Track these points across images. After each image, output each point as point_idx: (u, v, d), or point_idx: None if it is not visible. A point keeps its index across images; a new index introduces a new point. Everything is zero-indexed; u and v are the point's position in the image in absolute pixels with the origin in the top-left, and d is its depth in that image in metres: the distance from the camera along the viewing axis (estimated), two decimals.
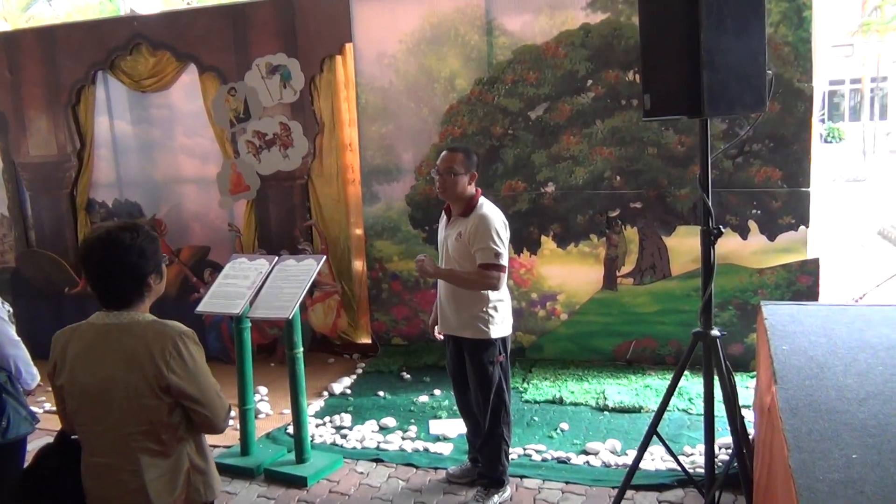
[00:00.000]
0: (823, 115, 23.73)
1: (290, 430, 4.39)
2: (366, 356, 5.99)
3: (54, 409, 5.02)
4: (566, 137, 5.32)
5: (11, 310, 3.05)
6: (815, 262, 5.00)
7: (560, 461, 4.03)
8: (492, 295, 3.51)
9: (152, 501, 2.14)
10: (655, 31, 2.92)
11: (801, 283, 5.03)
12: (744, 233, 5.09)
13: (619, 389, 4.91)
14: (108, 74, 6.30)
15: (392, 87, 5.66)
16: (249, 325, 4.27)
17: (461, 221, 3.52)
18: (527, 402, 4.86)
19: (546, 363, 5.50)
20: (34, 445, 3.01)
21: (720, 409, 3.00)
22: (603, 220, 5.36)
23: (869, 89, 28.26)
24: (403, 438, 4.43)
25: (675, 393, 3.51)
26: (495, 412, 3.58)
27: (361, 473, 4.07)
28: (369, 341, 6.09)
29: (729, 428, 2.95)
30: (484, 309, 3.51)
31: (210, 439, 2.40)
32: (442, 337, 3.80)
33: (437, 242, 3.83)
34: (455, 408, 3.99)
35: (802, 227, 4.99)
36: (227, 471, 4.09)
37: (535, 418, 4.61)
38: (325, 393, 5.24)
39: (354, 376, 5.56)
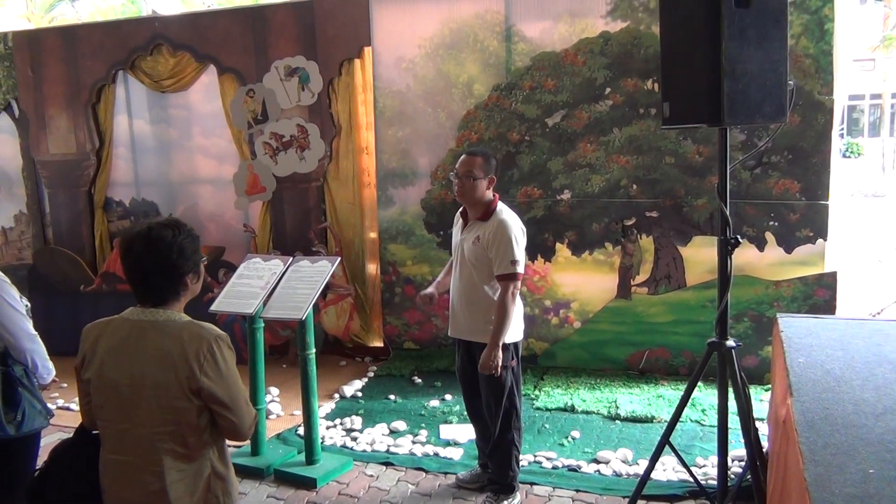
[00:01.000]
0: (843, 129, 23.55)
1: (301, 431, 4.39)
2: (377, 359, 5.99)
3: (67, 405, 5.11)
4: (583, 145, 5.31)
5: (30, 304, 3.06)
6: (833, 275, 4.96)
7: (571, 469, 4.01)
8: None
9: None
10: (676, 38, 2.91)
11: (818, 296, 4.98)
12: (761, 244, 5.06)
13: (632, 399, 4.88)
14: (129, 74, 6.36)
15: (410, 92, 5.67)
16: (262, 325, 4.28)
17: (479, 225, 3.52)
18: (538, 409, 4.84)
19: (558, 371, 5.48)
20: (47, 441, 3.04)
21: (734, 420, 2.98)
22: (618, 228, 5.34)
23: (889, 105, 28.05)
24: (414, 442, 4.42)
25: (689, 404, 3.49)
26: (506, 417, 3.57)
27: (371, 476, 4.06)
28: (381, 345, 6.09)
29: (743, 440, 2.92)
30: None
31: None
32: (431, 291, 3.78)
33: (450, 247, 3.83)
34: (466, 413, 3.98)
35: (820, 241, 4.95)
36: (238, 470, 4.05)
37: (547, 426, 4.59)
38: (336, 395, 5.24)
39: (366, 379, 5.56)
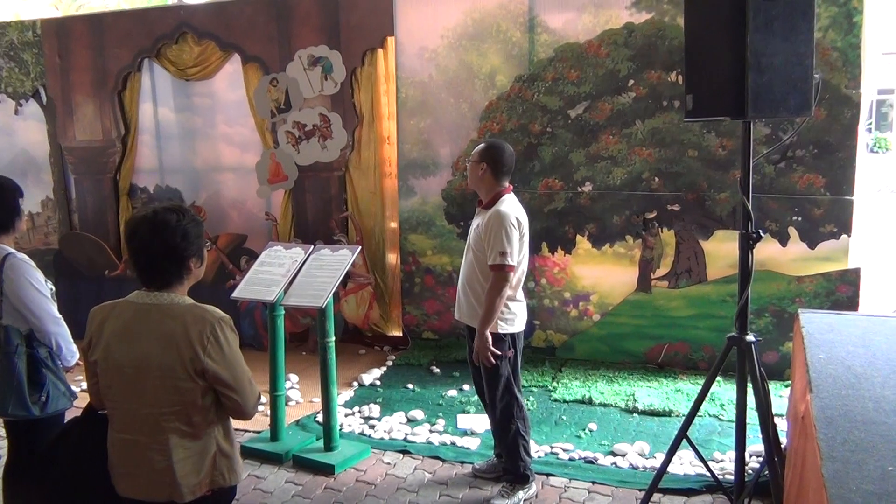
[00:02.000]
0: (871, 124, 23.19)
1: (320, 418, 4.44)
2: (396, 349, 6.02)
3: None
4: (605, 137, 5.29)
5: (54, 288, 3.12)
6: (857, 272, 4.90)
7: (587, 461, 4.01)
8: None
9: (178, 482, 2.17)
10: (701, 30, 2.89)
11: (840, 292, 4.93)
12: (783, 239, 5.01)
13: (650, 392, 4.87)
14: (154, 62, 6.41)
15: (432, 82, 5.67)
16: (283, 312, 4.32)
17: (483, 213, 3.56)
18: (556, 400, 4.85)
19: (576, 363, 5.47)
20: None
21: (752, 415, 2.96)
22: (639, 221, 5.31)
23: None
24: (431, 431, 4.44)
25: (707, 398, 3.47)
26: (507, 408, 3.58)
27: (388, 464, 4.09)
28: (400, 334, 6.12)
29: (761, 435, 2.91)
30: None
31: (240, 424, 2.44)
32: None
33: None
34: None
35: (844, 236, 4.89)
36: (256, 456, 4.14)
37: (564, 417, 4.59)
38: (355, 383, 5.28)
39: (384, 368, 5.59)
